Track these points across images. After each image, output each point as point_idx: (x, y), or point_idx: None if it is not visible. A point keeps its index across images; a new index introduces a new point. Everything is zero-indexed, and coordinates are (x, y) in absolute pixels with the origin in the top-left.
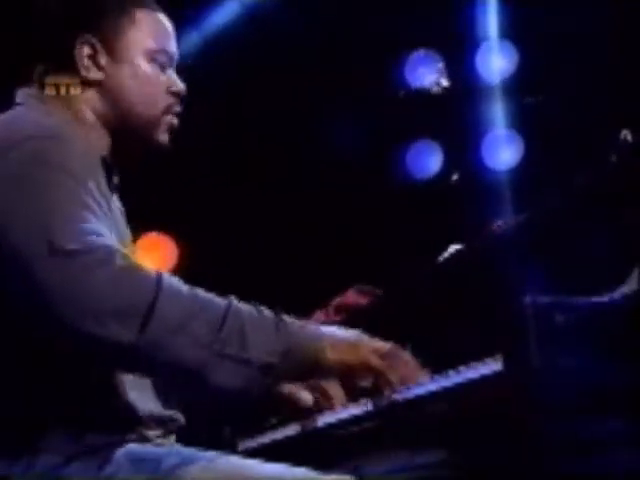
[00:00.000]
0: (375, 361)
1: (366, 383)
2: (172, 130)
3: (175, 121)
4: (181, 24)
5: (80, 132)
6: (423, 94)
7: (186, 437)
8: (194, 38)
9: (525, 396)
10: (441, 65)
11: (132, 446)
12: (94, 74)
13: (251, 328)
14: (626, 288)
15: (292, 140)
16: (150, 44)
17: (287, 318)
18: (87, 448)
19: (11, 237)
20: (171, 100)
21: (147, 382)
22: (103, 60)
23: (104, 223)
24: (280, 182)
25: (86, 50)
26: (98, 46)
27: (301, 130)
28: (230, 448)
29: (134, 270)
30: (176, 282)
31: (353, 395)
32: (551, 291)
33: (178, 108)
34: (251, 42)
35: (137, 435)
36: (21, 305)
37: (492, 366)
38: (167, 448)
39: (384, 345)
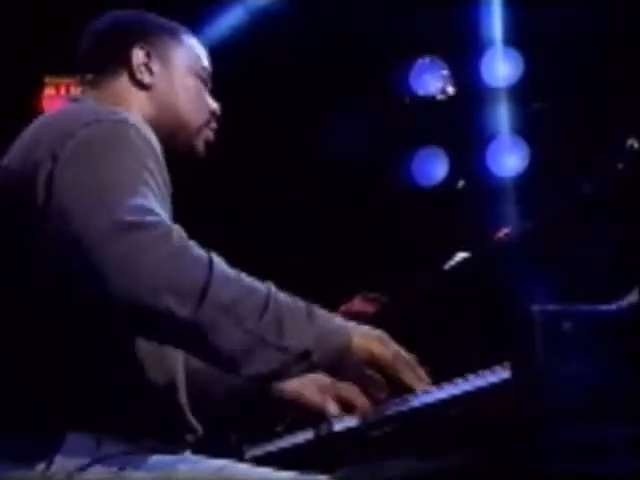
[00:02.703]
0: (404, 353)
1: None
2: (207, 143)
3: (211, 135)
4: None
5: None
6: (429, 101)
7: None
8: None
9: (533, 403)
10: (446, 72)
11: (147, 454)
12: (147, 78)
13: (288, 316)
14: (634, 296)
15: (296, 147)
16: (194, 63)
17: (316, 307)
18: (103, 455)
19: (73, 212)
20: (210, 117)
21: (180, 388)
22: (156, 67)
23: (161, 204)
24: (285, 189)
25: (141, 55)
26: (152, 53)
27: (306, 137)
28: (237, 455)
29: (190, 248)
30: (223, 264)
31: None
32: (558, 299)
33: (214, 125)
34: (257, 49)
35: (153, 444)
36: (75, 283)
37: (500, 374)
38: (179, 456)
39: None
